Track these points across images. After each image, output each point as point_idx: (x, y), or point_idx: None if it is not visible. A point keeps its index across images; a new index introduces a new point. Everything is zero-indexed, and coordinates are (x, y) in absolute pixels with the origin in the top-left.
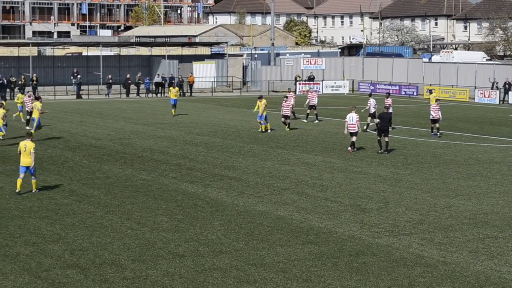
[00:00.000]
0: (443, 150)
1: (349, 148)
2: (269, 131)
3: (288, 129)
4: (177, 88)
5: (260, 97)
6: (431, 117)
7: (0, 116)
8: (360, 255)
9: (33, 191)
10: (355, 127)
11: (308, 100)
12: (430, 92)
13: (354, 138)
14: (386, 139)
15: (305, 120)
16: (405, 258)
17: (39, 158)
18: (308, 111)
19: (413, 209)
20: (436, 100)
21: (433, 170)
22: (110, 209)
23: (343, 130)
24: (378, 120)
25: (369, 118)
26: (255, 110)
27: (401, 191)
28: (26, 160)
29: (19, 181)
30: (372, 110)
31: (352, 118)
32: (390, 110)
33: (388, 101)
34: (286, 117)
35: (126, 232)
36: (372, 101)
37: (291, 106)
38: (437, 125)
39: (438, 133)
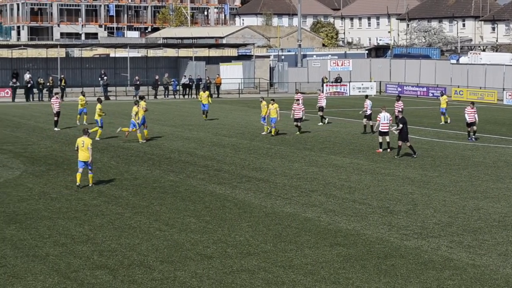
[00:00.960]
0: (471, 152)
1: (380, 149)
2: (270, 134)
3: (299, 132)
4: (207, 92)
5: (273, 100)
6: (466, 121)
7: (97, 112)
8: (389, 257)
9: (90, 185)
10: (387, 126)
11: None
12: (442, 94)
13: (387, 138)
14: (388, 138)
15: (321, 123)
16: (433, 261)
17: (67, 159)
18: (320, 113)
19: (442, 211)
20: (472, 103)
21: (462, 172)
22: (139, 210)
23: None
24: (400, 125)
25: (364, 120)
26: (264, 114)
27: (430, 193)
28: (84, 155)
29: (78, 175)
30: (368, 112)
31: (386, 118)
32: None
33: (399, 104)
34: (298, 120)
35: (155, 233)
36: (368, 103)
37: (303, 109)
38: (474, 128)
39: (474, 137)
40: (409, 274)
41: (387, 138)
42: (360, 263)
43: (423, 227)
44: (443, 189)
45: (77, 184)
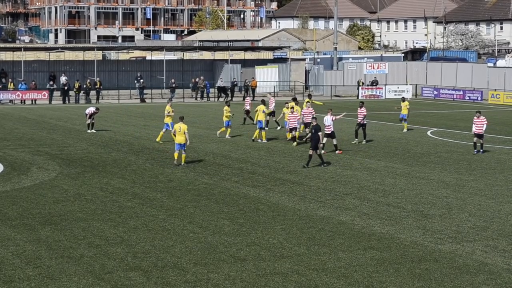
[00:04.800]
0: (507, 156)
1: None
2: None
3: (295, 144)
4: (262, 106)
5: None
6: (473, 131)
7: (225, 114)
8: (423, 261)
9: (183, 163)
10: (330, 128)
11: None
12: (403, 99)
13: (334, 141)
14: (335, 141)
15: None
16: (468, 265)
17: (103, 161)
18: (274, 118)
19: (477, 215)
20: (479, 112)
21: (497, 176)
22: (173, 212)
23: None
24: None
25: (356, 126)
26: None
27: (465, 197)
28: (181, 138)
29: (175, 155)
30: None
31: (327, 120)
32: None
33: (362, 110)
34: (293, 129)
35: (188, 236)
36: (364, 110)
37: (298, 118)
38: (481, 140)
39: (482, 150)
40: (443, 278)
41: (334, 141)
42: (394, 267)
43: (458, 231)
44: (478, 193)
45: (175, 162)
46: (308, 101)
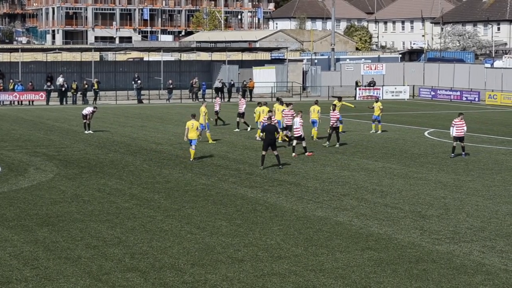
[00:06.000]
0: (505, 157)
1: (294, 153)
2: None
3: (292, 141)
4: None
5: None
6: (453, 135)
7: (202, 114)
8: (420, 262)
9: (191, 160)
10: (299, 131)
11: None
12: (377, 100)
13: (303, 143)
14: (304, 143)
15: (237, 130)
16: (465, 266)
17: (100, 162)
18: (242, 119)
19: (474, 216)
20: (461, 113)
21: (495, 177)
22: (170, 213)
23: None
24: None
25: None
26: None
27: (462, 198)
28: (193, 134)
29: (192, 151)
30: (337, 124)
31: (296, 123)
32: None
33: (335, 114)
34: (286, 129)
35: (186, 237)
36: (337, 113)
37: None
38: (461, 144)
39: (464, 153)
40: (440, 279)
41: (304, 143)
42: (392, 267)
43: (455, 231)
44: (475, 193)
45: (191, 159)
46: (337, 104)
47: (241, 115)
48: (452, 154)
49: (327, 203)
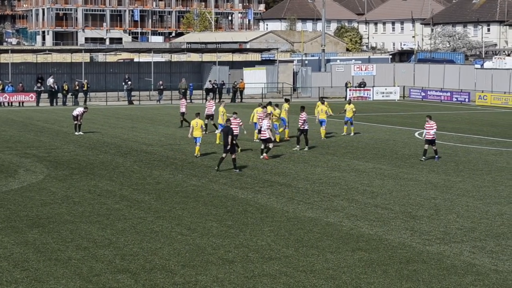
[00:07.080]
0: (495, 157)
1: (265, 154)
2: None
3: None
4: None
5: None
6: (425, 137)
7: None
8: (411, 262)
9: (196, 154)
10: (266, 133)
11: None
12: (322, 102)
13: (271, 145)
14: (271, 145)
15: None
16: (456, 266)
17: (90, 163)
18: (211, 121)
19: (465, 216)
20: (430, 117)
21: (485, 177)
22: (161, 215)
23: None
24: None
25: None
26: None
27: (452, 198)
28: (198, 132)
29: (196, 149)
30: (306, 127)
31: (264, 124)
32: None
33: (303, 115)
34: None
35: (176, 238)
36: (305, 115)
37: (241, 124)
38: (434, 147)
39: (437, 156)
40: (431, 279)
41: (271, 145)
42: (382, 268)
43: (446, 232)
44: (466, 194)
45: (195, 155)
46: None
47: (210, 116)
48: (423, 157)
49: (318, 204)
